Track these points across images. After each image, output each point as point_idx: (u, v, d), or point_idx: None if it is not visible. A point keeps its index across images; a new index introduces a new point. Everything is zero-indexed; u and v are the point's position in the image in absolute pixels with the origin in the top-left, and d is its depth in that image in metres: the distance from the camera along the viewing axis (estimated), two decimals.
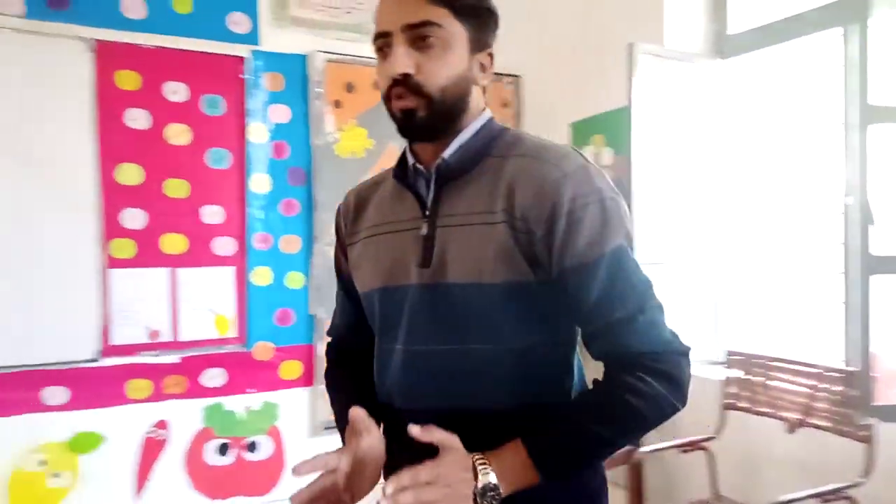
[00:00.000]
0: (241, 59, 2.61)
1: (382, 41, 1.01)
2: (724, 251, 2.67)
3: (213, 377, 2.60)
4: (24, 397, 2.36)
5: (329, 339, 1.27)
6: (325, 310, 2.72)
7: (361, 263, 1.11)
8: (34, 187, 2.33)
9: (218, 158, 2.60)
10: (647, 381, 0.93)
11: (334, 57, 2.76)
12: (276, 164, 2.70)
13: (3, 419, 2.33)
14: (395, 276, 1.04)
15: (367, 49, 2.83)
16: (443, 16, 0.98)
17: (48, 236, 2.35)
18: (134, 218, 2.48)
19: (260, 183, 2.67)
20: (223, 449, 2.64)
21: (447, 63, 0.99)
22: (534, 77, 3.21)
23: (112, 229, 2.45)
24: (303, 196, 2.74)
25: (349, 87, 2.79)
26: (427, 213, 1.03)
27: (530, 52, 3.10)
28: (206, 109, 2.58)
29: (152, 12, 2.49)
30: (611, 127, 2.84)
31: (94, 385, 2.44)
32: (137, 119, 2.48)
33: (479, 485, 0.89)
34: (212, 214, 2.60)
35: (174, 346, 2.55)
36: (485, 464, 0.91)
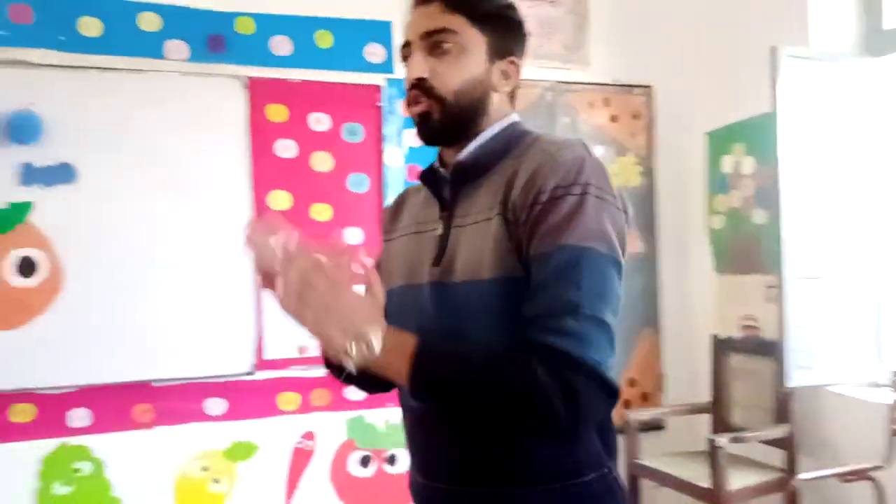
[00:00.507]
0: (378, 87, 2.74)
1: (405, 51, 1.07)
2: (886, 264, 2.46)
3: (355, 391, 2.71)
4: (189, 408, 2.57)
5: None
6: None
7: (388, 263, 1.15)
8: (197, 214, 2.55)
9: (358, 182, 2.74)
10: (543, 373, 0.85)
11: None
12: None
13: (170, 427, 2.56)
14: (413, 275, 1.06)
15: None
16: (459, 23, 1.02)
17: (209, 259, 2.56)
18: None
19: None
20: (365, 461, 2.74)
21: (461, 68, 1.02)
22: (666, 86, 3.13)
23: None
24: None
25: None
26: (444, 213, 1.06)
27: (661, 61, 3.04)
28: (347, 137, 2.72)
29: (298, 49, 2.67)
30: (752, 135, 2.71)
31: (250, 397, 2.62)
32: (286, 149, 2.66)
33: (363, 331, 0.82)
34: (353, 236, 2.73)
35: (320, 361, 2.68)
36: (382, 326, 0.85)
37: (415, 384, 0.88)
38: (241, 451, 2.63)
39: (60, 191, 2.41)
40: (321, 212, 2.70)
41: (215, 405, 2.59)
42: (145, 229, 2.50)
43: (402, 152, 2.78)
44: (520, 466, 0.97)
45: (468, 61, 1.03)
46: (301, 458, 2.68)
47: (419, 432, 1.10)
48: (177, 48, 2.55)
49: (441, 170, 1.09)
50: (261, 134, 2.64)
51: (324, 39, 2.70)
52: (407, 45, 1.06)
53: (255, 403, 2.62)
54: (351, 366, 0.84)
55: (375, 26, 2.74)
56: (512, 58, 1.08)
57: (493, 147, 1.05)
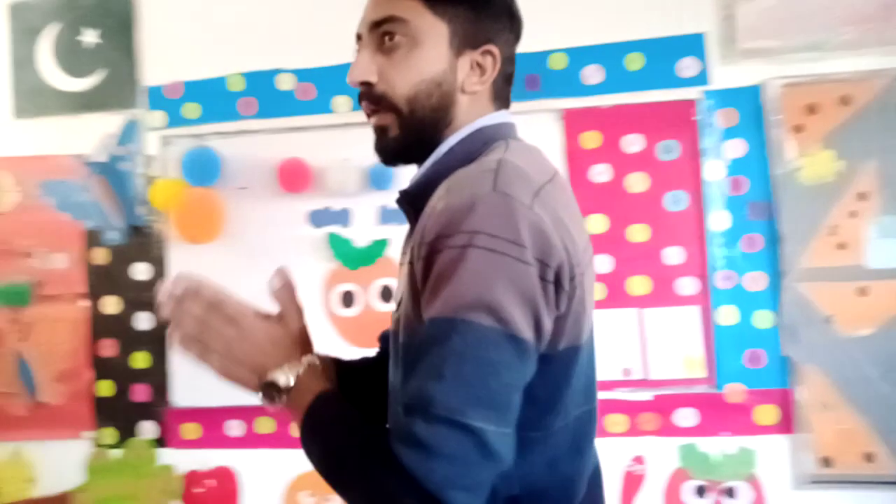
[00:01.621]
0: (692, 101, 2.66)
1: (358, 45, 0.88)
2: None
3: (686, 417, 2.62)
4: None
5: None
6: (799, 350, 2.52)
7: None
8: None
9: (675, 201, 2.67)
10: (396, 453, 0.70)
11: (791, 81, 2.60)
12: (735, 200, 2.64)
13: None
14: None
15: (827, 66, 2.60)
16: (410, 9, 0.83)
17: None
18: (603, 263, 2.70)
19: (719, 220, 2.64)
20: (700, 491, 2.61)
21: (412, 66, 0.84)
22: None
23: None
24: (765, 230, 2.61)
25: (811, 109, 2.59)
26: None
27: None
28: (661, 155, 2.69)
29: (609, 76, 2.73)
30: None
31: None
32: (601, 174, 2.72)
33: (271, 374, 0.76)
34: (672, 255, 2.66)
35: (646, 384, 2.65)
36: (296, 366, 0.78)
37: (301, 437, 0.79)
38: None
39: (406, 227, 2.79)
40: (638, 233, 2.69)
41: None
42: None
43: (724, 164, 2.64)
44: None
45: (422, 57, 0.85)
46: (632, 483, 2.66)
47: None
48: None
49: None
50: (576, 162, 2.74)
51: (635, 62, 2.71)
52: (359, 38, 0.90)
53: None
54: (267, 405, 0.80)
55: (688, 41, 2.67)
56: (488, 46, 0.89)
57: (445, 164, 0.84)
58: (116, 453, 2.94)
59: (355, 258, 2.81)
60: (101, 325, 2.97)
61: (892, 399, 2.49)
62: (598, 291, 2.69)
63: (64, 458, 2.96)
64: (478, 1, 0.87)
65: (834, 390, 2.53)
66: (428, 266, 0.74)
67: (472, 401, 0.69)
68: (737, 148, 2.65)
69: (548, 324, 0.77)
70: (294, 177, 2.81)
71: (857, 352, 2.51)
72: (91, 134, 3.00)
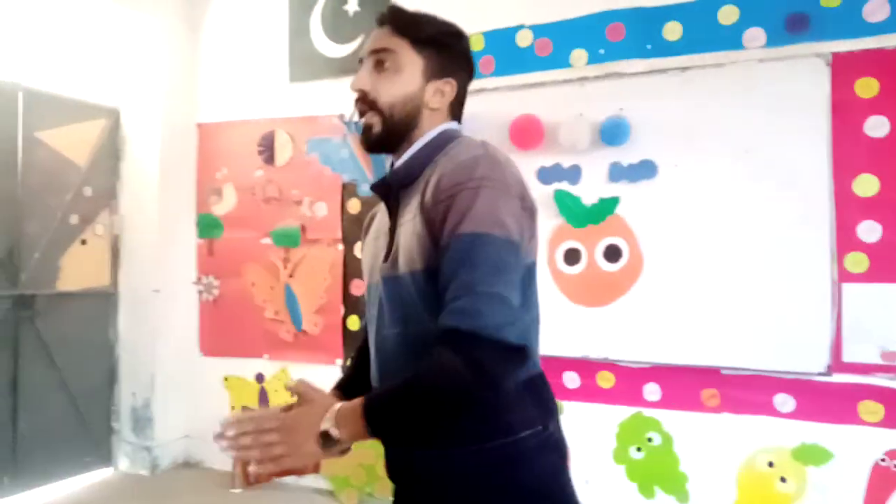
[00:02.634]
0: None
1: (360, 65, 1.21)
2: None
3: None
4: (756, 400, 2.54)
5: None
6: None
7: (362, 264, 1.30)
8: (773, 203, 2.49)
9: None
10: (445, 354, 0.97)
11: None
12: None
13: (736, 416, 2.57)
14: (374, 273, 1.21)
15: None
16: (401, 45, 1.17)
17: (785, 249, 2.47)
18: (871, 231, 2.36)
19: None
20: None
21: (394, 83, 1.16)
22: None
23: (846, 242, 2.39)
24: None
25: None
26: (392, 216, 1.19)
27: None
28: None
29: (894, 12, 2.33)
30: None
31: (824, 399, 2.43)
32: (877, 127, 2.35)
33: (320, 429, 1.00)
34: None
35: None
36: (330, 413, 1.01)
37: (377, 432, 1.01)
38: (812, 455, 2.46)
39: (643, 186, 2.69)
40: None
41: (784, 402, 2.49)
42: (719, 218, 2.56)
43: None
44: (456, 431, 1.08)
45: (402, 79, 1.17)
46: (883, 478, 2.35)
47: None
48: (754, 36, 2.53)
49: (388, 177, 1.21)
50: (844, 113, 2.40)
51: None
52: (361, 60, 1.22)
53: (831, 407, 2.41)
54: (335, 451, 1.01)
55: None
56: (449, 78, 1.20)
57: (422, 154, 1.18)
58: None
59: (582, 216, 2.78)
60: (353, 267, 3.35)
61: None
62: (862, 264, 2.37)
63: (320, 381, 3.40)
64: (445, 47, 1.20)
65: None
66: (449, 204, 1.04)
67: (497, 279, 1.00)
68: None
69: (526, 236, 1.10)
70: (526, 133, 2.84)
71: None
72: (351, 96, 3.32)
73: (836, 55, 2.40)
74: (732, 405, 2.58)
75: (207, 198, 3.75)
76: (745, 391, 2.55)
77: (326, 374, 3.34)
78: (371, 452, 3.15)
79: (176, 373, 3.73)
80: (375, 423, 1.00)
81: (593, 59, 2.80)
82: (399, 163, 1.20)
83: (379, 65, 1.18)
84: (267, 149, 3.57)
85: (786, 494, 2.50)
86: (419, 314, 1.09)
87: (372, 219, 1.38)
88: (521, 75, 2.93)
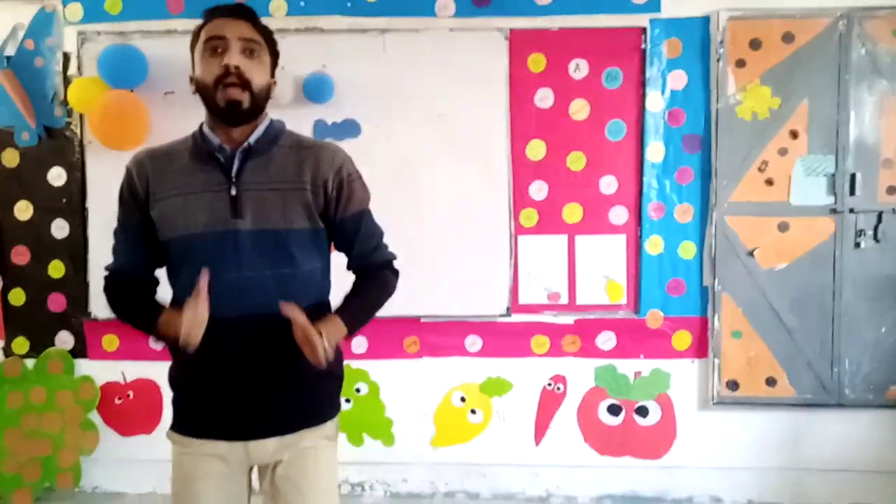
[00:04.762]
0: (641, 29, 2.63)
1: (217, 42, 1.37)
2: None
3: (606, 340, 2.73)
4: (451, 343, 2.79)
5: (107, 273, 1.53)
6: (718, 281, 2.64)
7: (172, 215, 1.42)
8: (462, 165, 2.70)
9: (615, 130, 2.68)
10: (387, 273, 1.56)
11: (739, 13, 2.60)
12: (672, 132, 2.67)
13: (434, 359, 2.80)
14: (215, 224, 1.39)
15: (776, 1, 2.59)
16: (261, 41, 1.42)
17: (471, 208, 2.71)
18: (539, 190, 2.71)
19: (655, 152, 2.67)
20: (614, 409, 2.76)
21: (261, 72, 1.40)
22: None
23: (520, 200, 2.72)
24: (697, 164, 2.66)
25: (754, 44, 2.59)
26: (233, 179, 1.40)
27: None
28: (606, 83, 2.67)
29: None
30: None
31: (505, 337, 2.77)
32: (544, 98, 2.69)
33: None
34: (608, 185, 2.70)
35: (571, 308, 2.74)
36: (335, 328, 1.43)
37: (353, 330, 1.46)
38: (495, 387, 2.80)
39: (347, 144, 2.67)
40: (576, 161, 2.70)
41: (474, 342, 2.78)
42: (417, 178, 2.71)
43: (664, 96, 2.65)
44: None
45: (265, 69, 1.42)
46: (551, 400, 2.78)
47: None
48: (444, 5, 2.67)
49: (227, 147, 1.41)
50: (520, 85, 2.69)
51: None
52: (221, 39, 1.37)
53: (510, 344, 2.76)
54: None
55: None
56: (275, 77, 1.48)
57: (269, 135, 1.45)
58: (30, 363, 2.85)
59: None
60: (13, 232, 2.81)
61: (795, 330, 2.66)
62: (533, 218, 2.72)
63: None
64: (276, 54, 1.49)
65: (745, 319, 2.68)
66: (341, 188, 1.45)
67: (383, 234, 1.59)
68: (679, 79, 2.65)
69: None
70: None
71: (770, 284, 2.65)
72: (1, 24, 2.74)
73: (513, 31, 2.67)
74: (430, 350, 2.80)
75: None
76: (441, 336, 2.79)
77: None
78: (48, 443, 2.75)
79: None
80: (353, 325, 1.45)
81: (293, 9, 2.70)
82: (254, 138, 1.43)
83: (250, 52, 1.39)
84: None
85: (475, 425, 2.82)
86: (288, 259, 1.41)
87: (160, 172, 1.46)
88: None
